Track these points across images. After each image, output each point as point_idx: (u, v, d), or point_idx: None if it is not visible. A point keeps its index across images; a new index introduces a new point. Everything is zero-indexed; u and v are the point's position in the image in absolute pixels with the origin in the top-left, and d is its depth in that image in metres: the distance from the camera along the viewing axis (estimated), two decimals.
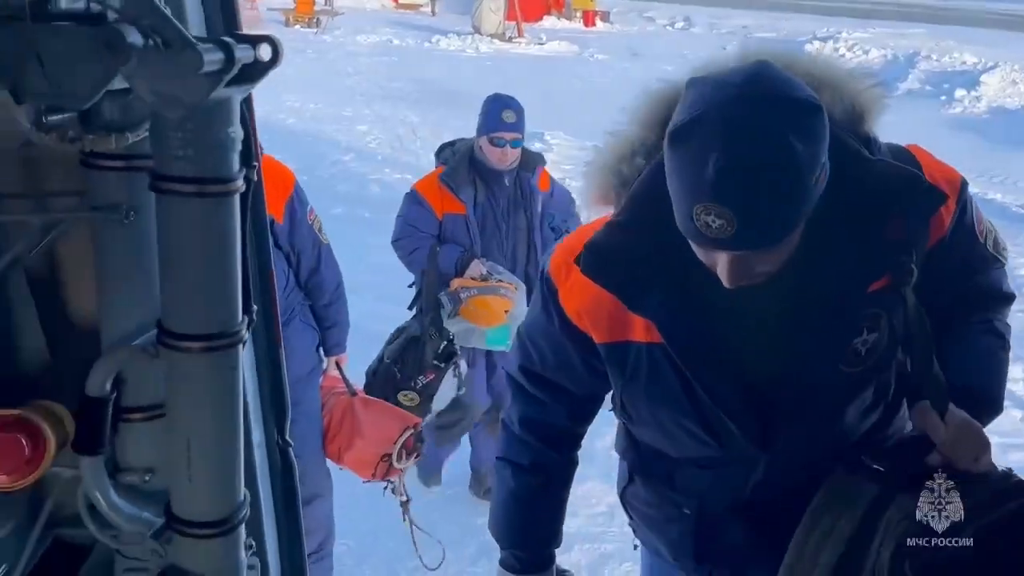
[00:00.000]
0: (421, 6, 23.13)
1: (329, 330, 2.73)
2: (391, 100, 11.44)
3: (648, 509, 1.54)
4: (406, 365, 3.06)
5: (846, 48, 15.66)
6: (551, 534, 1.58)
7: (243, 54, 0.71)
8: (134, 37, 0.70)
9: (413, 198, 3.26)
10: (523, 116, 3.18)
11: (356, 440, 2.62)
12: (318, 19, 18.75)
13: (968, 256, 1.29)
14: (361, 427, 2.63)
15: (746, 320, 1.24)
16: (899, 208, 1.18)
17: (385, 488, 2.68)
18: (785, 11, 23.13)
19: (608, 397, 1.54)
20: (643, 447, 1.49)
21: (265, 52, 0.75)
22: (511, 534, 1.57)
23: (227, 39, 0.70)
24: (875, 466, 1.22)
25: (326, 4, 19.82)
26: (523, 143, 3.25)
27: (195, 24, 0.92)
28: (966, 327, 1.31)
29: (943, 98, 12.30)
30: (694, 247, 1.16)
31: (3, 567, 0.93)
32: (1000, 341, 1.34)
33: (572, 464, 1.59)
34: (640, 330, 1.29)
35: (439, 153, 3.40)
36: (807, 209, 1.10)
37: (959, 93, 12.31)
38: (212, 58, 0.68)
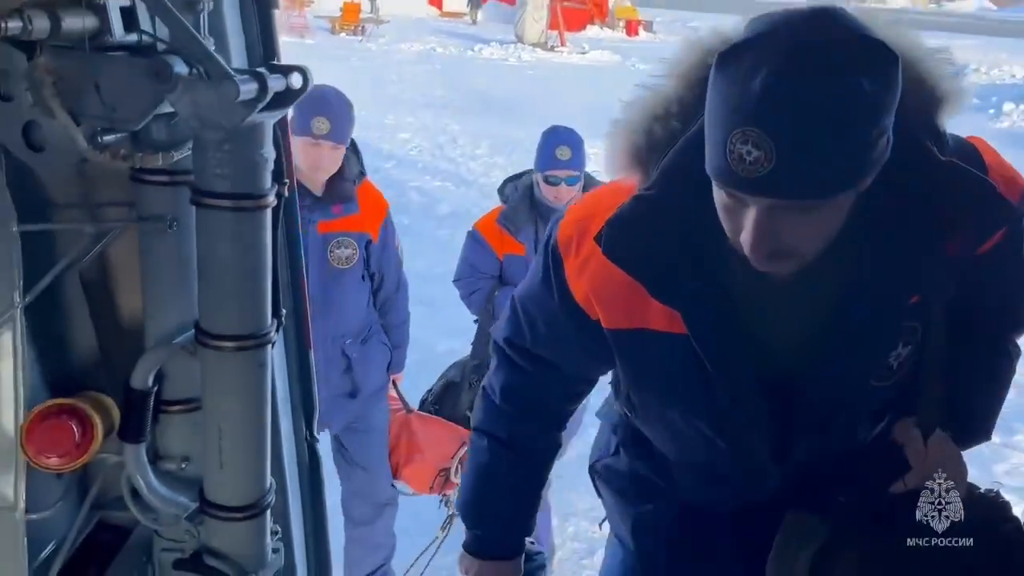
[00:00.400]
0: (465, 14, 23.35)
1: (395, 350, 2.85)
2: (433, 108, 11.58)
3: (627, 484, 1.41)
4: (443, 408, 3.06)
5: None
6: (522, 519, 1.45)
7: (275, 84, 0.79)
8: (180, 67, 0.78)
9: (473, 237, 3.13)
10: (581, 149, 3.01)
11: (416, 455, 2.75)
12: (363, 27, 19.04)
13: (1007, 270, 1.17)
14: (420, 443, 2.76)
15: (780, 322, 1.13)
16: (969, 223, 1.06)
17: (442, 502, 2.78)
18: None
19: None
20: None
21: (296, 81, 0.83)
22: (479, 512, 1.44)
23: (261, 71, 0.78)
24: (840, 497, 1.17)
25: (371, 12, 20.12)
26: (580, 179, 3.03)
27: (239, 51, 1.01)
28: (977, 344, 1.20)
29: (991, 111, 12.09)
30: (720, 206, 1.01)
31: (53, 541, 1.02)
32: (1007, 365, 1.24)
33: (553, 445, 1.45)
34: (660, 318, 1.14)
35: (501, 189, 3.24)
36: (860, 173, 0.94)
37: (1008, 107, 12.09)
38: (248, 88, 0.76)
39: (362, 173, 2.61)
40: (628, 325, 1.18)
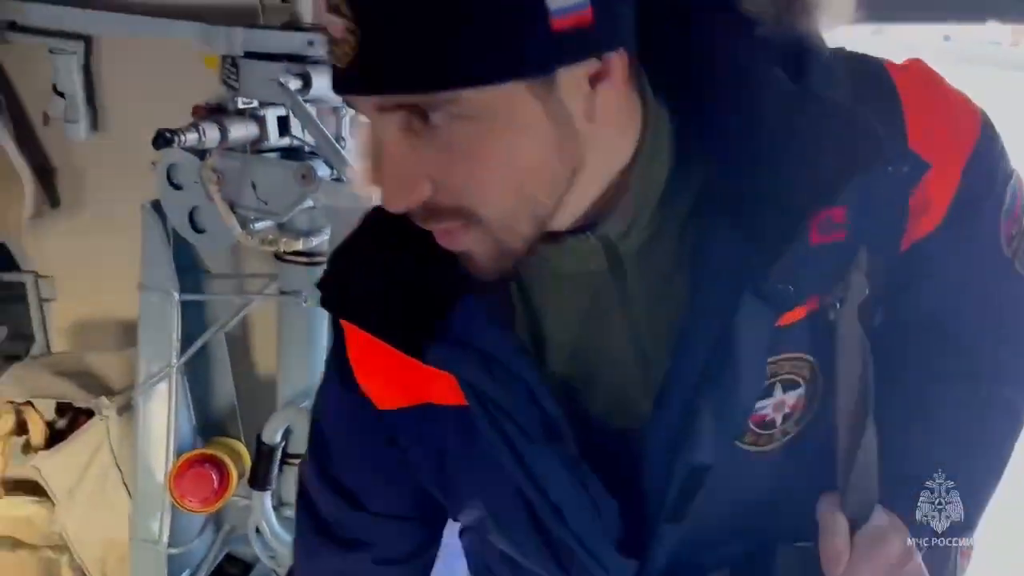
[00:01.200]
0: None
1: None
2: None
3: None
4: None
5: None
6: None
7: None
8: (322, 171, 0.90)
9: None
10: None
11: None
12: None
13: (975, 266, 0.72)
14: None
15: (594, 369, 0.70)
16: (838, 193, 0.62)
17: None
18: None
19: None
20: None
21: None
22: None
23: None
24: None
25: None
26: None
27: None
28: (934, 377, 0.73)
29: None
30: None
31: (187, 570, 1.15)
32: (1002, 407, 0.74)
33: None
34: (442, 386, 0.71)
35: None
36: (500, 46, 0.52)
37: None
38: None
39: None
40: (406, 402, 0.75)
